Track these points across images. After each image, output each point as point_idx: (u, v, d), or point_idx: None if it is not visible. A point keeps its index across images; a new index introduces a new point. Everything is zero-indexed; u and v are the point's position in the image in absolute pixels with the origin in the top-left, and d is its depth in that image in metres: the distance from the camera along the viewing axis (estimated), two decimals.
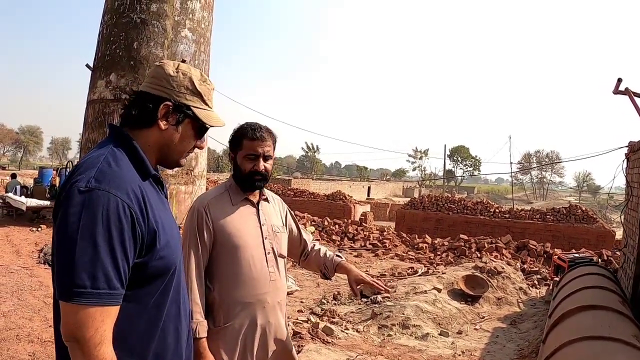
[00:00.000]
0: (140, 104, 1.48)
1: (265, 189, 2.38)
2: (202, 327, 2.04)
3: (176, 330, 1.52)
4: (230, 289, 2.15)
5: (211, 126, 1.59)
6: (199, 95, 1.54)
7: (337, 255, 2.55)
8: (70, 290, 1.21)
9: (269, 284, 2.21)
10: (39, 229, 11.59)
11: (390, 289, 2.47)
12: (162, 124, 1.48)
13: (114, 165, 1.35)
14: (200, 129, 1.57)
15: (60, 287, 1.24)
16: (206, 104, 1.57)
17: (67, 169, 15.24)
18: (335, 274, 2.52)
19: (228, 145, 2.33)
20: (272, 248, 2.27)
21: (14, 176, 17.14)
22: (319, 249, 2.58)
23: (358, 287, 2.41)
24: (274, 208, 2.42)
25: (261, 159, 2.22)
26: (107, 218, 1.25)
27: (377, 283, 2.42)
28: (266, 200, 2.37)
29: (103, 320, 1.24)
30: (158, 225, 1.40)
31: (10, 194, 13.53)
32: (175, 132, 1.52)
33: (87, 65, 13.58)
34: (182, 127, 1.52)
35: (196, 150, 1.65)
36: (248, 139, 2.22)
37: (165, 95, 1.48)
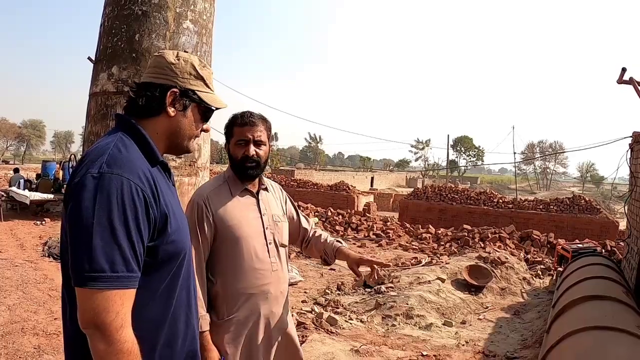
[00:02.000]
0: (145, 94, 1.49)
1: (264, 178, 2.37)
2: (204, 320, 2.04)
3: (186, 317, 1.52)
4: (232, 281, 2.14)
5: (216, 108, 1.62)
6: (201, 79, 1.56)
7: (338, 241, 2.54)
8: (89, 275, 1.20)
9: (271, 274, 2.20)
10: (43, 222, 11.64)
11: (388, 265, 2.55)
12: (171, 111, 1.50)
13: (124, 151, 1.36)
14: (205, 112, 1.60)
15: (78, 274, 1.22)
16: (209, 87, 1.59)
17: (71, 162, 15.28)
18: (336, 259, 2.50)
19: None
20: (274, 238, 2.26)
21: (16, 170, 17.19)
22: (320, 235, 2.56)
23: (360, 270, 2.40)
24: (274, 197, 2.41)
25: (251, 144, 2.19)
26: (122, 201, 1.26)
27: (377, 260, 2.37)
28: (266, 189, 2.35)
29: (123, 304, 1.24)
30: (169, 209, 1.41)
31: (14, 188, 13.58)
32: (183, 118, 1.54)
33: (89, 58, 13.52)
34: (189, 112, 1.55)
35: (199, 141, 1.67)
36: (238, 125, 2.22)
37: (170, 83, 1.50)
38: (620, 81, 5.06)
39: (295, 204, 2.62)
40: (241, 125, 2.21)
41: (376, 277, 2.36)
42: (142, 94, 1.49)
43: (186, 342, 1.52)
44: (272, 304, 2.21)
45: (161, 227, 1.37)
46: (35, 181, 15.63)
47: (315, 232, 2.59)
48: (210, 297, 2.14)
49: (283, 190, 2.55)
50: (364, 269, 2.40)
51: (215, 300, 2.15)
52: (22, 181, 14.41)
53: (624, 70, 5.01)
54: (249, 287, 2.15)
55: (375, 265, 2.36)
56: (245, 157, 2.19)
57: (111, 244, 1.23)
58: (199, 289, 2.05)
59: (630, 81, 5.00)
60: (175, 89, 1.50)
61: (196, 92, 1.54)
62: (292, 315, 5.47)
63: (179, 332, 1.48)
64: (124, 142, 1.40)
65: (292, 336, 2.37)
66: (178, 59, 1.53)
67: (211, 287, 2.14)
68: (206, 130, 1.64)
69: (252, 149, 2.19)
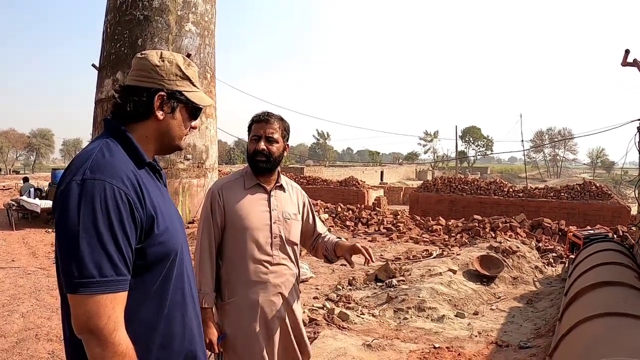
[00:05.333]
0: (133, 99, 1.48)
1: (283, 177, 2.52)
2: (208, 298, 2.22)
3: (182, 318, 1.51)
4: (234, 268, 2.30)
5: (203, 106, 1.62)
6: (187, 79, 1.55)
7: (338, 237, 2.62)
8: (79, 281, 1.22)
9: (272, 266, 2.33)
10: (54, 230, 11.75)
11: (374, 261, 2.51)
12: (159, 114, 1.50)
13: (107, 155, 1.37)
14: (193, 110, 1.60)
15: (68, 281, 1.24)
16: (195, 86, 1.58)
17: None
18: (337, 255, 2.52)
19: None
20: (280, 233, 2.37)
21: (26, 180, 17.34)
22: (325, 236, 2.65)
23: (352, 258, 2.41)
24: (290, 196, 2.53)
25: (263, 140, 2.34)
26: (106, 206, 1.27)
27: (367, 251, 2.33)
28: (281, 188, 2.48)
29: (114, 307, 1.26)
30: (156, 210, 1.41)
31: (25, 197, 13.70)
32: (172, 120, 1.54)
33: (94, 65, 13.64)
34: (177, 113, 1.55)
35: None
36: (255, 122, 2.41)
37: (157, 86, 1.49)
38: (625, 63, 4.99)
39: (314, 208, 2.71)
40: (257, 122, 2.40)
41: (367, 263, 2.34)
42: (129, 99, 1.48)
43: (184, 343, 1.51)
44: (271, 294, 2.32)
45: (148, 228, 1.38)
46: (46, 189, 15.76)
47: (324, 235, 2.68)
48: (218, 280, 2.33)
49: (304, 194, 2.67)
50: (359, 259, 2.40)
51: (220, 283, 2.33)
52: (32, 190, 14.54)
53: (627, 52, 4.93)
54: (248, 275, 2.29)
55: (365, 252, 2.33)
56: (255, 151, 2.34)
57: (98, 250, 1.24)
58: (208, 269, 2.26)
59: (635, 63, 4.93)
60: (162, 93, 1.49)
61: (183, 92, 1.53)
62: (304, 312, 5.47)
63: (175, 333, 1.48)
64: (108, 147, 1.40)
65: (296, 329, 2.44)
66: (163, 60, 1.51)
67: (218, 270, 2.33)
68: (194, 128, 1.65)
69: (262, 144, 2.34)
